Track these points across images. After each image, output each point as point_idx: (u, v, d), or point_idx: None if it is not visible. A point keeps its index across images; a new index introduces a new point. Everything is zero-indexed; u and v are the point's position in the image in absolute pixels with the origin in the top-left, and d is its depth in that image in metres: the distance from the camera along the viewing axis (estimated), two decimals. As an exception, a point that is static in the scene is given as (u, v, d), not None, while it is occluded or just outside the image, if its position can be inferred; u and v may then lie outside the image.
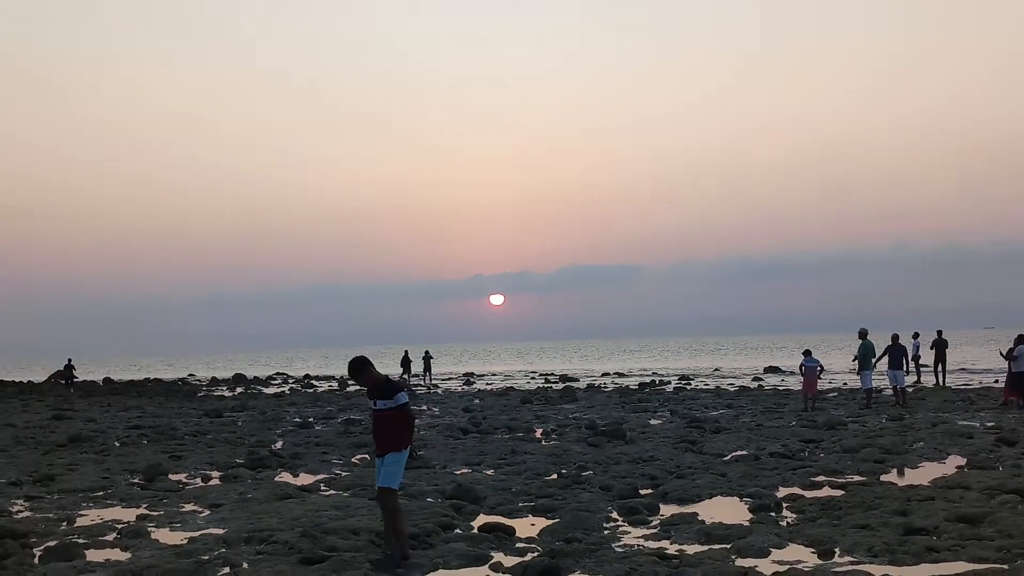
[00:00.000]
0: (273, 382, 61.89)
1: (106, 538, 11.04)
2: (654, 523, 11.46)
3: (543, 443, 20.32)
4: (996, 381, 38.64)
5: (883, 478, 14.47)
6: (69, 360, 55.77)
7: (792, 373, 48.81)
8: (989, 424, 21.74)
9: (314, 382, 59.84)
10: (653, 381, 48.81)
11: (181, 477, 16.37)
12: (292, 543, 10.10)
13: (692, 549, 9.90)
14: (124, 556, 10.07)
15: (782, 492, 13.33)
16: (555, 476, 15.36)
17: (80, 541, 10.74)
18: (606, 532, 10.91)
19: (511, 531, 10.84)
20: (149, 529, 11.51)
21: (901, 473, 15.10)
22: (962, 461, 15.87)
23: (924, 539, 9.81)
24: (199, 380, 68.18)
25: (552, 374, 62.58)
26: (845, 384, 40.67)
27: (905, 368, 28.56)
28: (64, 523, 12.08)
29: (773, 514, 11.80)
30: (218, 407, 34.16)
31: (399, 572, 9.00)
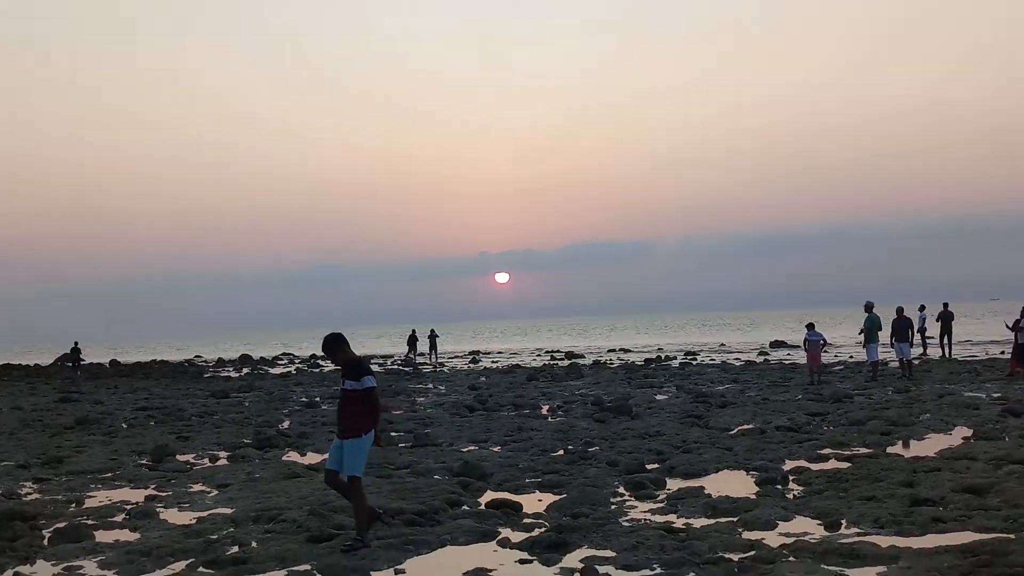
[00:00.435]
0: (279, 362, 61.96)
1: (115, 519, 11.09)
2: (661, 497, 11.49)
3: (549, 420, 20.36)
4: (1002, 352, 38.62)
5: (889, 450, 14.49)
6: (76, 343, 55.85)
7: (797, 347, 48.82)
8: (995, 395, 21.74)
9: (320, 362, 59.92)
10: (659, 357, 48.86)
11: (189, 458, 16.42)
12: (300, 521, 10.14)
13: (699, 523, 9.93)
14: (133, 537, 10.11)
15: (788, 465, 13.36)
16: (561, 452, 15.39)
17: (89, 522, 10.79)
18: (613, 507, 10.94)
19: (518, 507, 10.87)
20: (158, 509, 11.56)
21: (907, 445, 15.11)
22: (968, 432, 15.88)
23: (930, 510, 9.82)
24: (206, 361, 68.29)
25: (558, 351, 62.59)
26: (851, 357, 40.69)
27: (911, 340, 28.54)
28: (73, 505, 12.13)
29: (779, 487, 11.82)
30: (225, 388, 34.25)
31: (364, 553, 8.88)
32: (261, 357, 68.08)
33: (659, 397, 24.89)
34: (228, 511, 11.21)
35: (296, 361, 62.56)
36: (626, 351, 60.12)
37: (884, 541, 8.70)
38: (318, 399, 28.18)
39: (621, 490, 11.99)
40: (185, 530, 10.22)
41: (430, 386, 33.14)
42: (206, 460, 16.18)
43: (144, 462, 15.83)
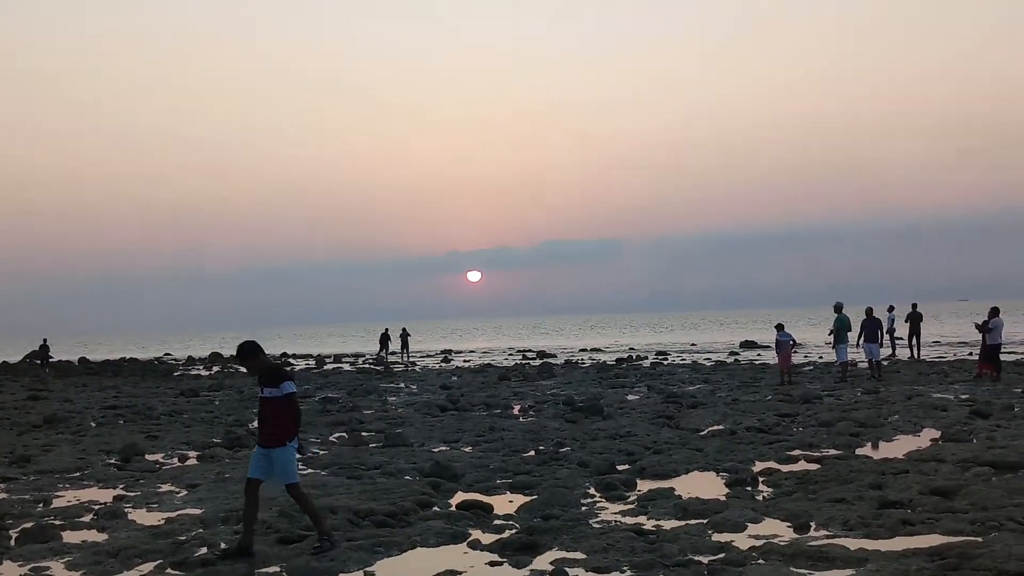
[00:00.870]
0: (250, 360, 61.54)
1: (83, 519, 11.01)
2: (631, 499, 11.51)
3: (521, 420, 20.37)
4: (970, 354, 38.94)
5: (858, 451, 14.58)
6: (44, 340, 55.40)
7: (767, 347, 49.07)
8: (963, 396, 21.92)
9: (291, 360, 59.74)
10: (630, 356, 48.98)
11: (158, 457, 16.31)
12: (270, 523, 10.09)
13: (669, 524, 9.95)
14: (101, 537, 10.04)
15: (758, 466, 13.41)
16: (533, 453, 15.40)
17: (56, 523, 10.70)
18: (584, 508, 10.95)
19: (489, 508, 10.87)
20: (126, 510, 11.47)
21: (876, 446, 15.21)
22: (936, 434, 16.00)
23: (899, 512, 9.88)
24: (175, 359, 67.94)
25: (530, 350, 62.65)
26: (821, 358, 40.93)
27: (880, 341, 28.73)
28: (40, 504, 12.02)
29: (749, 488, 11.87)
30: (195, 386, 34.07)
31: (333, 555, 8.83)
32: (231, 355, 67.70)
33: (630, 397, 24.95)
34: (197, 512, 11.14)
35: (267, 359, 62.19)
36: (598, 351, 60.23)
37: (853, 543, 8.75)
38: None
39: (592, 491, 12.01)
40: (153, 531, 10.14)
41: (402, 385, 33.09)
42: (175, 460, 16.07)
43: (113, 461, 15.71)
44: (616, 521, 10.24)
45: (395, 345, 55.44)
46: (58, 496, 12.68)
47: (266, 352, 9.23)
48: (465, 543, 9.43)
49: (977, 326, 27.16)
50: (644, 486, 12.25)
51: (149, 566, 8.77)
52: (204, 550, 9.25)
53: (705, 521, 9.97)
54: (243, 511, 9.17)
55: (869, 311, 28.32)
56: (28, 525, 10.37)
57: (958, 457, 12.93)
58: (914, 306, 37.47)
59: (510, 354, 60.45)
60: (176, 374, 47.54)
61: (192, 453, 16.68)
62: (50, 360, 55.67)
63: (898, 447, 14.85)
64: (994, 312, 26.61)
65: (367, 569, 8.54)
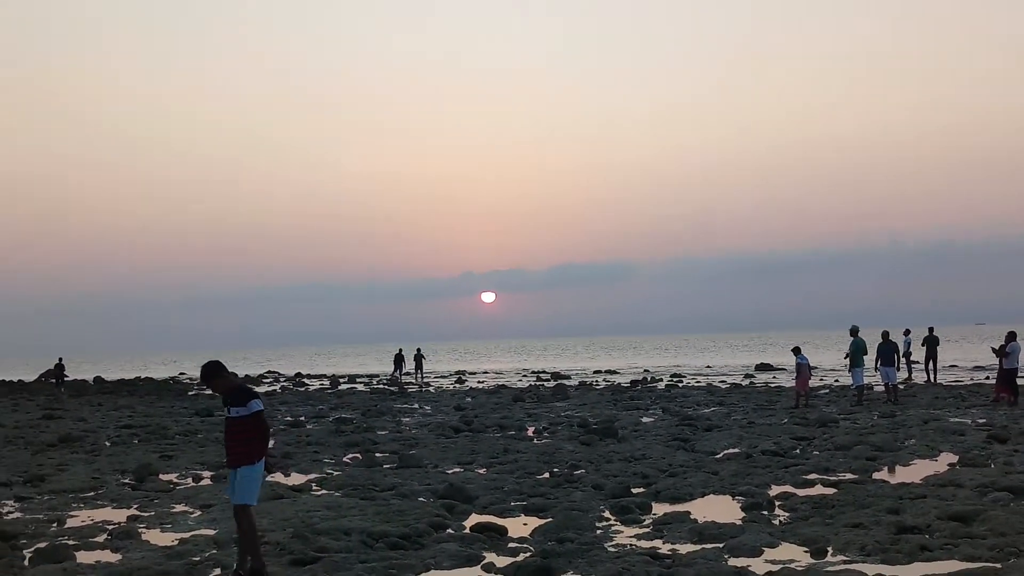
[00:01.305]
0: (264, 380, 61.77)
1: (96, 539, 10.99)
2: (646, 522, 11.45)
3: (535, 441, 20.30)
4: (987, 378, 38.71)
5: (875, 476, 14.48)
6: (60, 359, 55.59)
7: (782, 370, 48.88)
8: (981, 421, 21.78)
9: (305, 380, 59.79)
10: (645, 379, 48.84)
11: (172, 477, 16.31)
12: (283, 544, 10.07)
13: (685, 548, 9.89)
14: (115, 558, 10.02)
15: (774, 490, 13.33)
16: (547, 475, 15.34)
17: (70, 542, 10.70)
18: (598, 532, 10.90)
19: (503, 531, 10.82)
20: (140, 530, 11.46)
21: (893, 471, 15.10)
22: (954, 458, 15.88)
23: (917, 538, 9.80)
24: (191, 379, 68.03)
25: (544, 372, 62.56)
26: (837, 381, 40.74)
27: (896, 365, 28.59)
28: (54, 524, 12.02)
29: (766, 513, 11.80)
30: (209, 406, 34.06)
31: None
32: (246, 375, 67.81)
33: (645, 420, 24.86)
34: (211, 532, 11.13)
35: (281, 379, 62.40)
36: (612, 372, 60.11)
37: (870, 569, 8.67)
38: (303, 418, 28.08)
39: (607, 514, 11.95)
40: (167, 552, 10.13)
41: (416, 406, 33.05)
42: (189, 480, 16.06)
43: (127, 481, 15.72)
44: (631, 545, 10.18)
45: (410, 366, 55.43)
46: (72, 516, 12.68)
47: (231, 371, 9.12)
48: (479, 566, 9.39)
49: (994, 350, 27.00)
50: (659, 509, 12.19)
51: (162, 587, 8.74)
52: (218, 571, 9.24)
53: (721, 545, 9.90)
54: (238, 537, 9.00)
55: (885, 334, 28.20)
56: (42, 545, 10.38)
57: (976, 482, 12.83)
58: (931, 330, 37.26)
59: (524, 375, 60.36)
60: (191, 393, 47.63)
61: (206, 473, 16.68)
62: (65, 379, 55.83)
63: (915, 471, 14.75)
64: (1011, 336, 26.47)
65: (381, 592, 8.49)
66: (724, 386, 40.55)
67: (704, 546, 9.94)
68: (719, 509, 12.10)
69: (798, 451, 17.48)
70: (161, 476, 16.25)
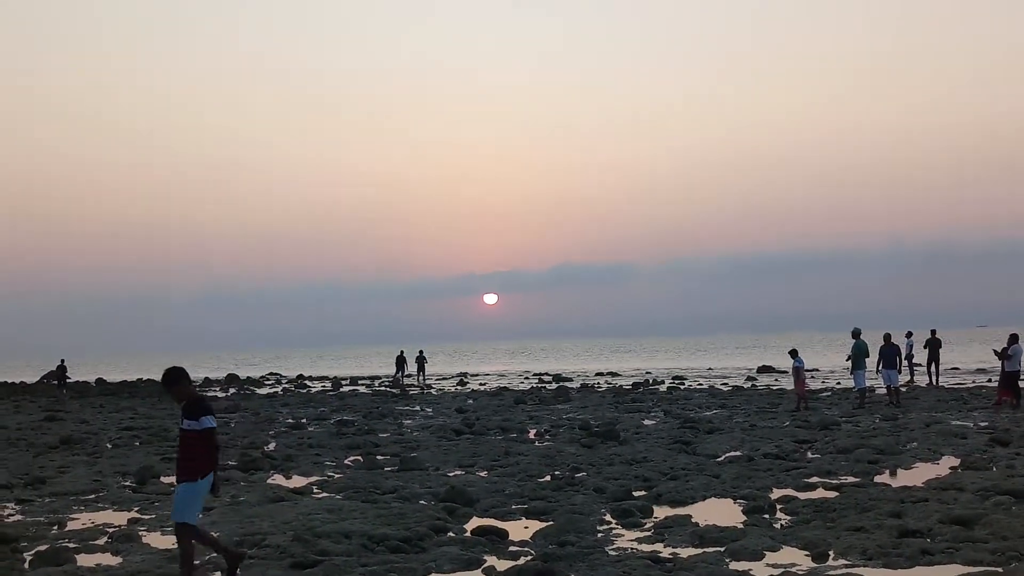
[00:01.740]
0: (266, 382, 61.77)
1: (97, 542, 11.01)
2: (648, 525, 11.44)
3: (536, 444, 20.29)
4: (989, 380, 38.68)
5: (877, 479, 14.46)
6: (62, 361, 55.56)
7: (785, 372, 48.86)
8: (983, 424, 21.75)
9: (307, 382, 59.80)
10: (647, 381, 48.85)
11: (173, 480, 16.25)
12: (284, 547, 10.06)
13: (686, 552, 9.88)
14: (115, 561, 10.03)
15: (776, 493, 13.31)
16: (548, 478, 15.33)
17: (71, 545, 10.71)
18: (600, 535, 10.89)
19: (504, 534, 10.82)
20: (140, 533, 11.47)
21: (895, 474, 15.09)
22: (956, 462, 15.87)
23: (918, 541, 9.79)
24: (192, 380, 67.90)
25: (546, 374, 62.54)
26: (838, 384, 40.71)
27: (898, 367, 28.57)
28: (55, 527, 12.03)
29: (767, 516, 11.79)
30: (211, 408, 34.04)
31: None
32: (248, 377, 67.84)
33: (647, 422, 24.84)
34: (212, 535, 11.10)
35: (283, 381, 62.40)
36: (614, 375, 60.09)
37: (872, 573, 8.67)
38: (304, 420, 28.08)
39: (608, 518, 11.94)
40: (167, 555, 10.12)
41: (417, 408, 33.06)
42: (190, 482, 16.03)
43: (128, 484, 15.72)
44: (632, 548, 10.17)
45: (411, 368, 55.42)
46: (73, 519, 12.68)
47: (190, 380, 8.99)
48: (480, 569, 9.39)
49: (996, 353, 26.98)
50: (661, 513, 12.18)
51: (163, 590, 8.73)
52: (218, 574, 9.23)
53: (722, 549, 9.89)
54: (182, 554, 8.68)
55: (887, 337, 28.17)
56: (42, 548, 10.38)
57: (978, 485, 12.81)
58: (933, 332, 37.24)
59: (526, 377, 60.34)
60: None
61: (207, 476, 16.64)
62: (67, 381, 55.81)
63: (917, 475, 14.73)
64: (1014, 339, 26.44)
65: (381, 595, 8.48)
66: (726, 388, 40.52)
67: (705, 550, 9.93)
68: (720, 512, 12.10)
69: (799, 454, 17.46)
70: (162, 479, 16.23)
